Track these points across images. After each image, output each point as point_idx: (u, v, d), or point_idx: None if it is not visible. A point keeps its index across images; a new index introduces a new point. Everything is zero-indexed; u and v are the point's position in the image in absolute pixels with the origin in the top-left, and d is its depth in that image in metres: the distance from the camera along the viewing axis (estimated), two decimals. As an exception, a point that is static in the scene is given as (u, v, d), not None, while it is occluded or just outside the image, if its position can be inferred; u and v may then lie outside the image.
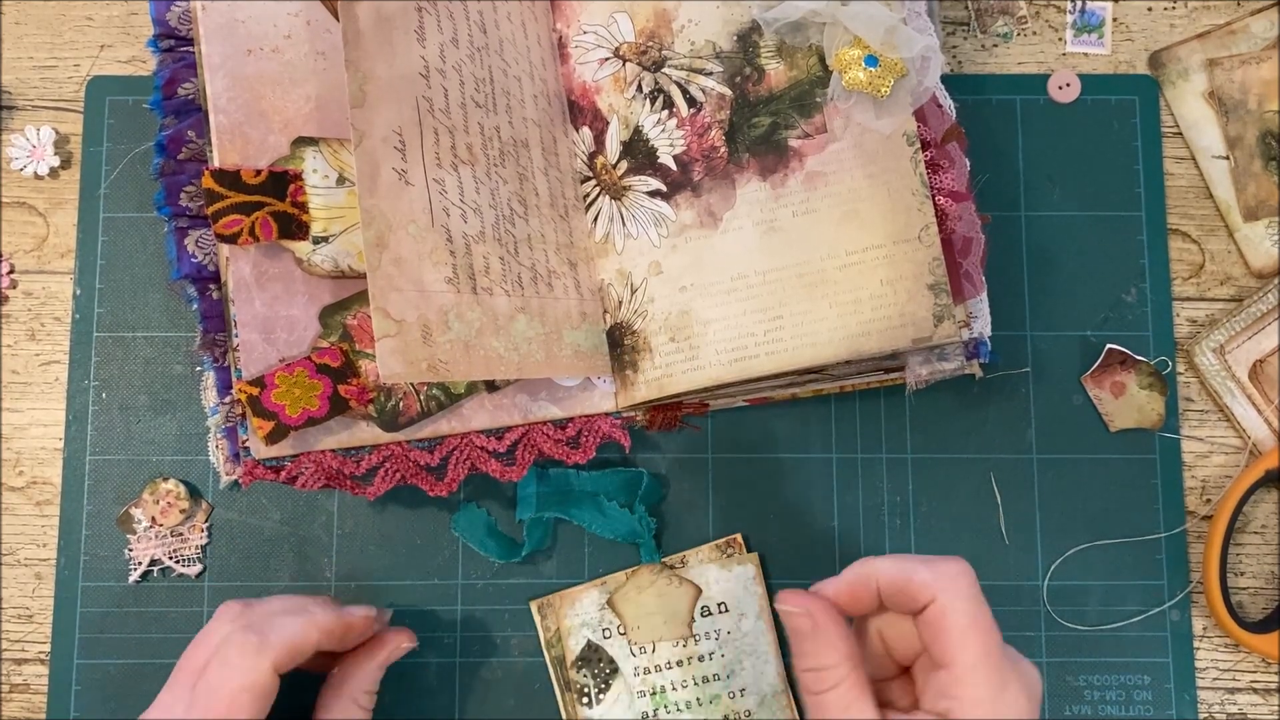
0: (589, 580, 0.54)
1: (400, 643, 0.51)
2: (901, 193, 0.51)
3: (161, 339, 0.57)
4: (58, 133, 0.58)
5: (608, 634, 0.52)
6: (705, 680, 0.52)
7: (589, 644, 0.52)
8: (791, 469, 0.56)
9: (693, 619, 0.52)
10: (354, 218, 0.52)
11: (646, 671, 0.52)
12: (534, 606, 0.54)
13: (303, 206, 0.51)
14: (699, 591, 0.53)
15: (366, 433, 0.51)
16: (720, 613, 0.53)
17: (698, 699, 0.52)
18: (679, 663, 0.52)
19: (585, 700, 0.52)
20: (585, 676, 0.52)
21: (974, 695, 0.42)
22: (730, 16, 0.54)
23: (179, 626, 0.55)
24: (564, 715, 0.52)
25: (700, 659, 0.52)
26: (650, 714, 0.52)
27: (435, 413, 0.52)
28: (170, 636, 0.55)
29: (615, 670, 0.52)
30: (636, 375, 0.53)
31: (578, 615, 0.52)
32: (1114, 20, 0.59)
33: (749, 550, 0.54)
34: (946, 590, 0.42)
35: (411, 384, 0.52)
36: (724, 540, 0.54)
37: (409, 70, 0.48)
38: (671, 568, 0.53)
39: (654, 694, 0.52)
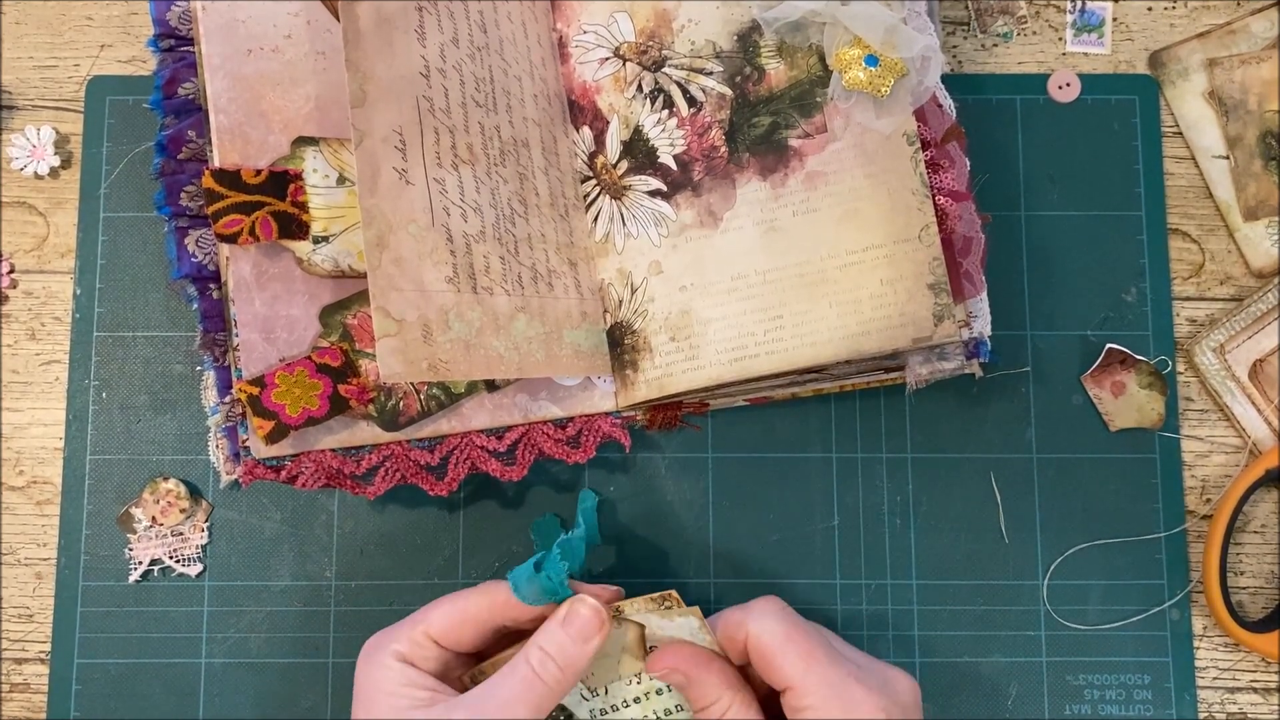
0: None
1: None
2: (901, 192, 0.51)
3: (161, 339, 0.57)
4: (58, 132, 0.58)
5: None
6: (669, 712, 0.48)
7: None
8: (791, 469, 0.56)
9: (645, 651, 0.48)
10: (354, 217, 0.52)
11: (604, 713, 0.48)
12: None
13: (303, 206, 0.51)
14: (643, 627, 0.47)
15: (366, 432, 0.51)
16: None
17: None
18: (636, 699, 0.48)
19: None
20: None
21: (815, 702, 0.44)
22: (730, 16, 0.54)
23: (179, 626, 0.55)
24: None
25: (659, 692, 0.48)
26: None
27: (435, 412, 0.52)
28: (170, 636, 0.55)
29: (570, 718, 0.48)
30: (637, 375, 0.53)
31: None
32: (1114, 20, 0.59)
33: (690, 603, 0.47)
34: (754, 619, 0.45)
35: (412, 383, 0.52)
36: (659, 595, 0.47)
37: (409, 70, 0.48)
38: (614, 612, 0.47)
39: None
